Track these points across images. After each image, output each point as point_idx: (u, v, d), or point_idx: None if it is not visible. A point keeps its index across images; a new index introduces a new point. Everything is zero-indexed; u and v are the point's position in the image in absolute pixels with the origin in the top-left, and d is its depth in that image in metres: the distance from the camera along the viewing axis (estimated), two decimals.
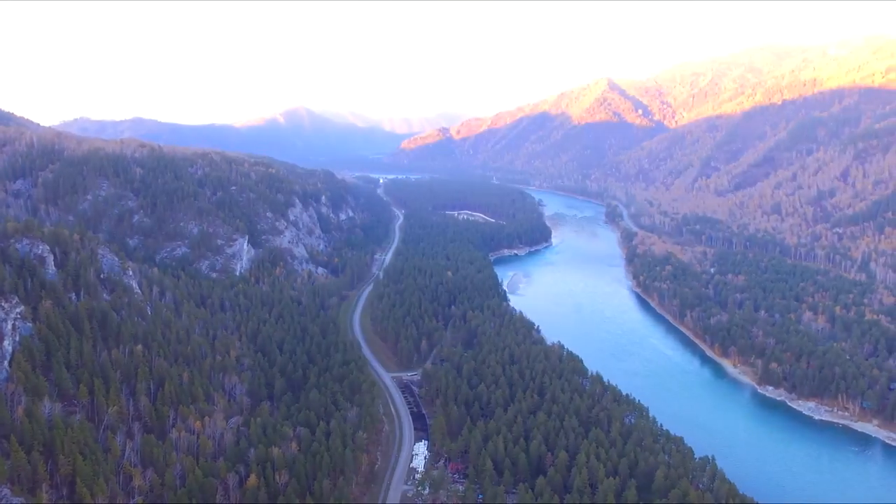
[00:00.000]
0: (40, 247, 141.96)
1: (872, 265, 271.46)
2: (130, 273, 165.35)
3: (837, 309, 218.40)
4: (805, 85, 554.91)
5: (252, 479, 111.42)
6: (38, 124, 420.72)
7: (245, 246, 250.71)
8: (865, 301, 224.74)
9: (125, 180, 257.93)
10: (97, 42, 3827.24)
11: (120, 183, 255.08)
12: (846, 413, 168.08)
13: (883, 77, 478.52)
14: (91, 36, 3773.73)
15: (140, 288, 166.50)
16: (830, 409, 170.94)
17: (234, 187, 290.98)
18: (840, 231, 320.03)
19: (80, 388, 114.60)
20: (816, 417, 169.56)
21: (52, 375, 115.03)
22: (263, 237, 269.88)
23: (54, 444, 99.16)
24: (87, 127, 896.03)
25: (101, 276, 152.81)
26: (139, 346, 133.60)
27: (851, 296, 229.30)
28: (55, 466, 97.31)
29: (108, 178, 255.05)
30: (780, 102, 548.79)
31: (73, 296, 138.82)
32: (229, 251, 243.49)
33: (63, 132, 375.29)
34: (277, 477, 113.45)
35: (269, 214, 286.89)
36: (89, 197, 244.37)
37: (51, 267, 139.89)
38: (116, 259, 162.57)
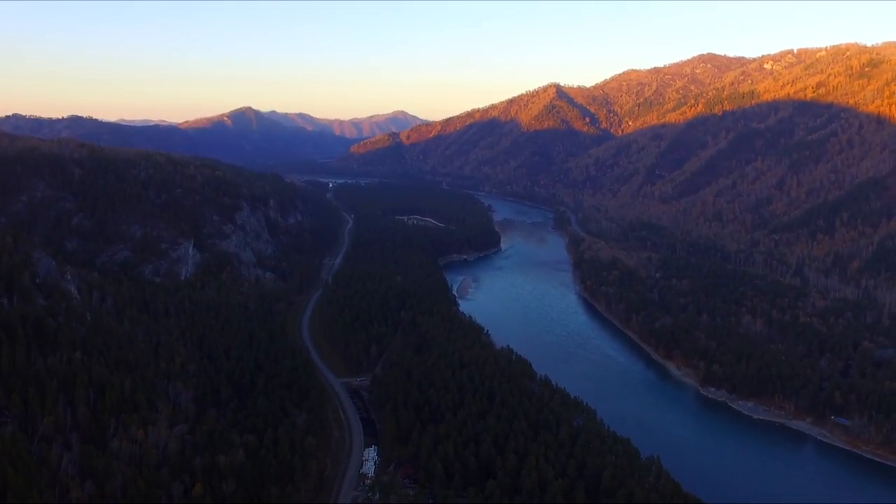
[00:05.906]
0: None
1: (806, 270, 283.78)
2: (69, 277, 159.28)
3: (774, 312, 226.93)
4: (744, 97, 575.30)
5: (198, 487, 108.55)
6: None
7: (190, 250, 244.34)
8: (799, 304, 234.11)
9: (63, 181, 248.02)
10: (31, 36, 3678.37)
11: (57, 184, 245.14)
12: (782, 412, 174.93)
13: (814, 92, 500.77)
14: (25, 29, 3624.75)
15: (79, 293, 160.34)
16: (768, 408, 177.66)
17: (179, 190, 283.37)
18: (776, 237, 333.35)
19: (12, 397, 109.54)
20: (755, 416, 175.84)
21: None
22: (210, 241, 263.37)
23: None
24: (20, 125, 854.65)
25: (37, 280, 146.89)
26: (78, 353, 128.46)
27: (787, 299, 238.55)
28: None
29: (44, 179, 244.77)
30: (720, 113, 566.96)
31: (6, 301, 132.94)
32: (174, 255, 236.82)
33: None
34: (224, 485, 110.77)
35: (215, 218, 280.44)
36: (24, 198, 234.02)
37: None
38: (53, 263, 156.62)
